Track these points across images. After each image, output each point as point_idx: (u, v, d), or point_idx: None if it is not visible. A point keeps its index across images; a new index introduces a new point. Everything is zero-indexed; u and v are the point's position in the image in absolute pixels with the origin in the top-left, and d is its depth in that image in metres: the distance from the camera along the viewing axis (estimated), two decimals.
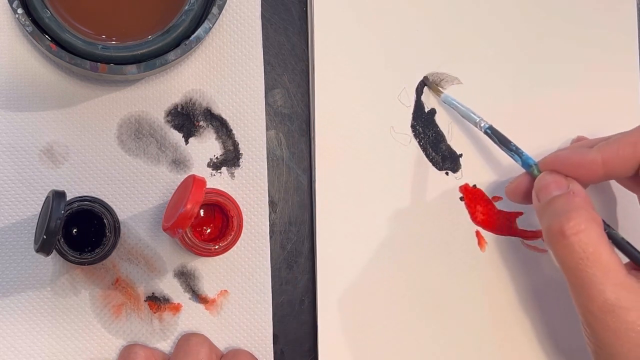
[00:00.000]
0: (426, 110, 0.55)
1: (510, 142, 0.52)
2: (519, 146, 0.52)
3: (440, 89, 0.55)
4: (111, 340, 0.52)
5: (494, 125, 0.52)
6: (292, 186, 0.55)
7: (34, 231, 0.51)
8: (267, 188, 0.54)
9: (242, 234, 0.51)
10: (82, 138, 0.53)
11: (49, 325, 0.52)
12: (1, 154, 0.52)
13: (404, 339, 0.54)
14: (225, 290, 0.53)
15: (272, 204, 0.54)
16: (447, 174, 0.55)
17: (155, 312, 0.53)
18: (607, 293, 0.45)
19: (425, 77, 0.55)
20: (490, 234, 0.55)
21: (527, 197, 0.51)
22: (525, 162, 0.51)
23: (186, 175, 0.52)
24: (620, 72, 0.57)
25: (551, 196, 0.48)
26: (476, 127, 0.53)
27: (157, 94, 0.54)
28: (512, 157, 0.52)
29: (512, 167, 0.55)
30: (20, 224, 0.52)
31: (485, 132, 0.52)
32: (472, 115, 0.53)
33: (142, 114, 0.53)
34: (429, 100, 0.55)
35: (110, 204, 0.52)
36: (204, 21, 0.49)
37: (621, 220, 0.56)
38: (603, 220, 0.47)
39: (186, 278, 0.53)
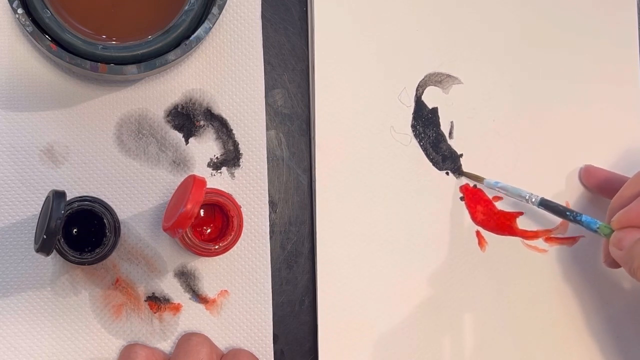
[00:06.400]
0: (426, 110, 0.55)
1: (566, 210, 0.51)
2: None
3: (480, 175, 0.54)
4: (111, 340, 0.52)
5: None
6: (292, 186, 0.55)
7: (34, 231, 0.51)
8: (267, 188, 0.54)
9: (242, 234, 0.51)
10: (82, 138, 0.53)
11: (49, 325, 0.52)
12: (1, 154, 0.52)
13: (404, 339, 0.54)
14: (225, 290, 0.53)
15: (272, 204, 0.54)
16: (447, 174, 0.55)
17: (155, 312, 0.53)
18: None
19: (461, 171, 0.55)
20: (491, 234, 0.55)
21: None
22: (588, 226, 0.50)
23: (186, 176, 0.52)
24: (620, 65, 0.57)
25: (636, 239, 0.47)
26: (527, 203, 0.52)
27: (157, 93, 0.54)
28: (574, 223, 0.51)
29: (512, 169, 0.55)
30: (20, 224, 0.52)
31: (539, 206, 0.52)
32: (522, 192, 0.53)
33: (142, 113, 0.53)
34: (430, 100, 0.55)
35: (110, 204, 0.52)
36: (204, 21, 0.49)
37: None
38: None
39: (186, 278, 0.53)
